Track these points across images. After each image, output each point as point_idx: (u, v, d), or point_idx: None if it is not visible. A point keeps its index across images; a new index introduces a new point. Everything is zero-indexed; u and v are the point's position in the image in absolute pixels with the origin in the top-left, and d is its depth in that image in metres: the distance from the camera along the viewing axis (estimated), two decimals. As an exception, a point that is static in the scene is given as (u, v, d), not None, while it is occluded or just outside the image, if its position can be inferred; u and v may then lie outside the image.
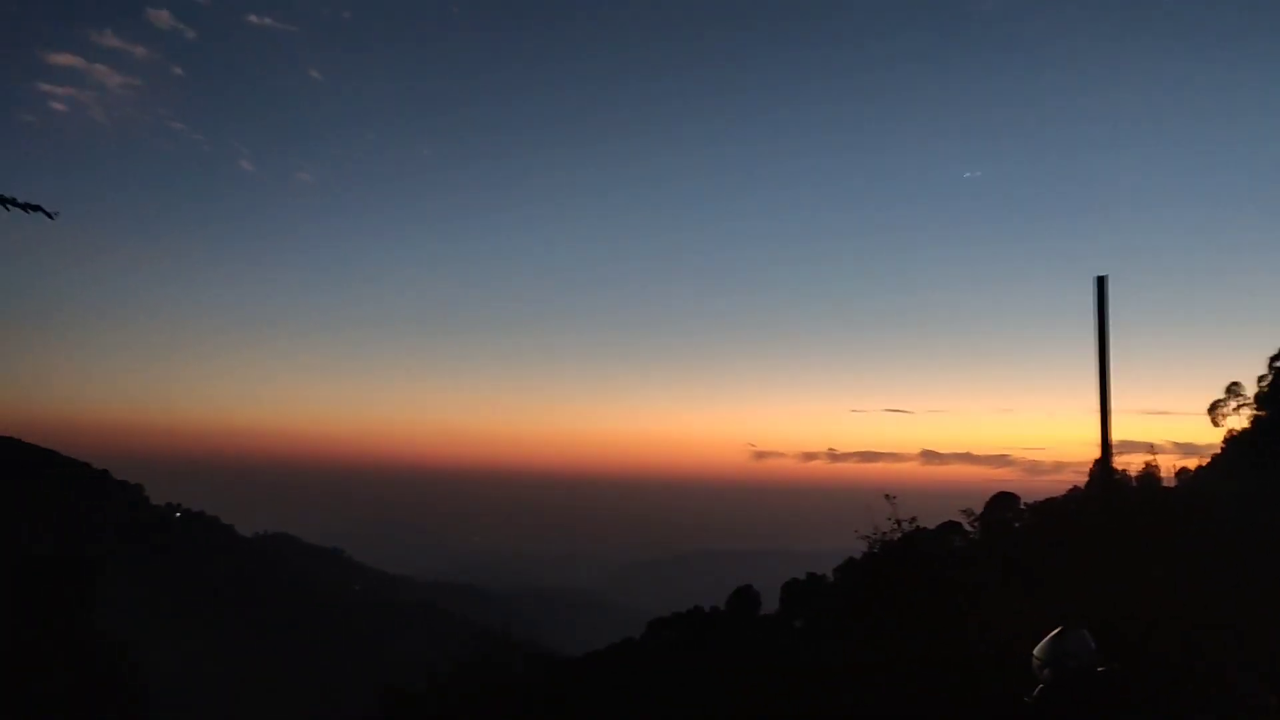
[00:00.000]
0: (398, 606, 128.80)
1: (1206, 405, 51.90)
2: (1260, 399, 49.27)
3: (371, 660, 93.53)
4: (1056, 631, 4.59)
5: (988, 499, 36.37)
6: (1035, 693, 4.58)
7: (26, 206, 4.88)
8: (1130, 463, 32.79)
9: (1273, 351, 49.69)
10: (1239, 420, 49.57)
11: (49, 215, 5.10)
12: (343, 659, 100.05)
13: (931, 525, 34.92)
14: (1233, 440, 47.63)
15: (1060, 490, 35.05)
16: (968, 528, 35.39)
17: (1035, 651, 4.66)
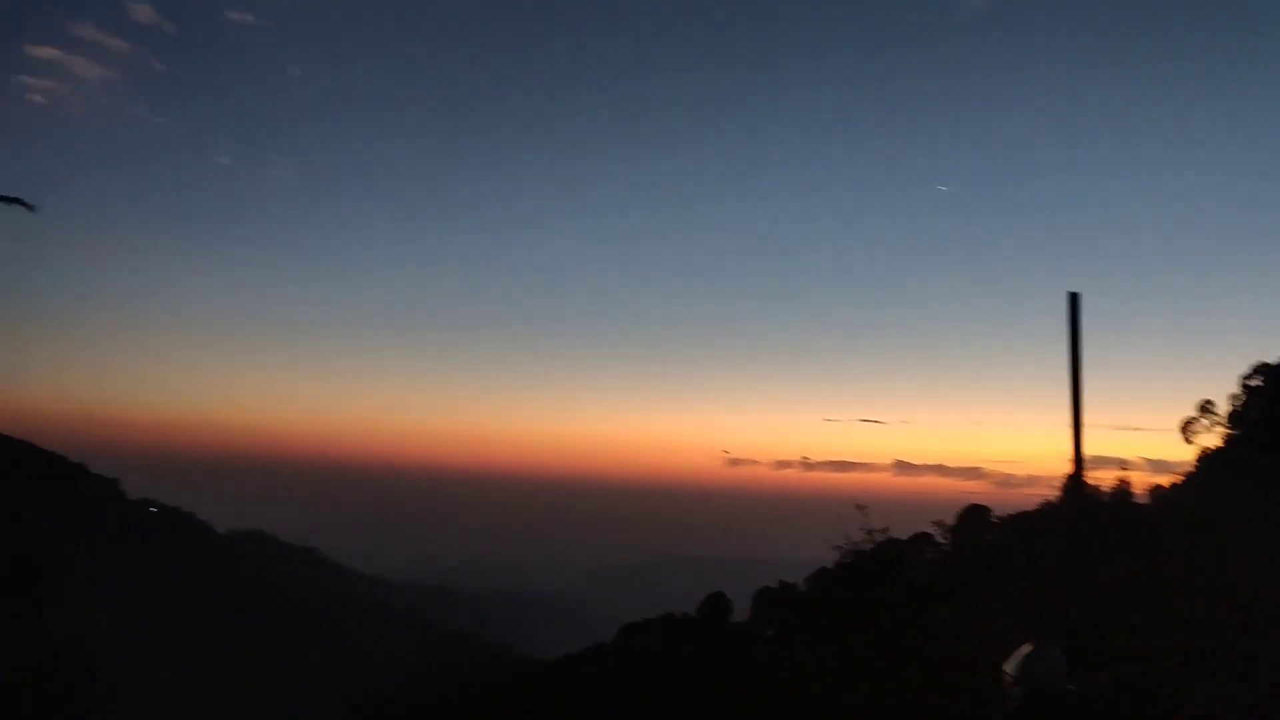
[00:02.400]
0: (371, 607, 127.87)
1: (1179, 422, 52.31)
2: (1232, 418, 49.67)
3: (343, 661, 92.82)
4: (1028, 648, 4.50)
5: (959, 511, 36.34)
6: (1005, 710, 4.49)
7: (6, 199, 4.77)
8: (1103, 478, 33.04)
9: (1245, 370, 50.16)
10: (1212, 438, 49.94)
11: (29, 208, 4.99)
12: (314, 659, 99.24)
13: (904, 536, 35.03)
14: (1205, 458, 47.97)
15: (1032, 504, 35.01)
16: (939, 539, 35.49)
17: (1006, 667, 4.56)
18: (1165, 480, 44.81)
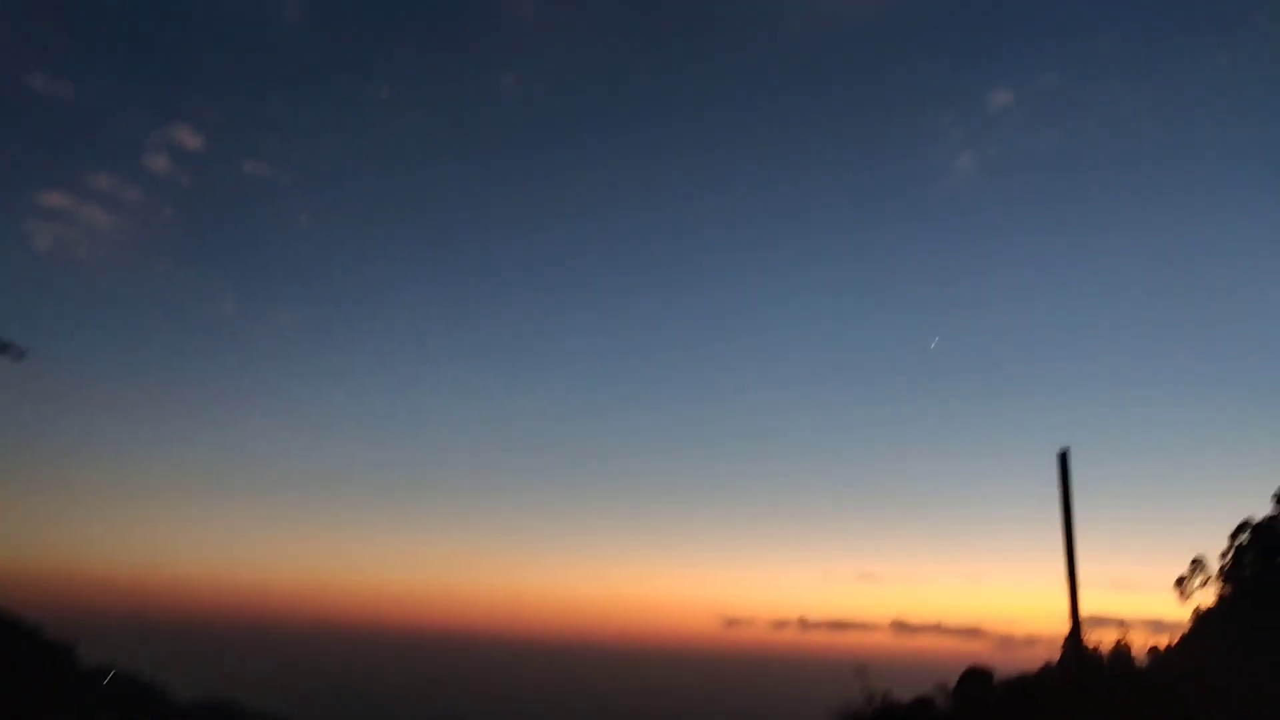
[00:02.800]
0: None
1: (1173, 578, 52.35)
2: (1225, 573, 49.80)
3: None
4: None
5: (960, 673, 35.89)
6: None
7: None
8: (1102, 639, 32.93)
9: (1234, 525, 50.64)
10: (1205, 595, 49.93)
11: (17, 354, 5.21)
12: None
13: (904, 699, 34.58)
14: (1200, 617, 47.82)
15: (1033, 666, 34.68)
16: (940, 703, 34.96)
17: None
18: (1162, 640, 44.54)
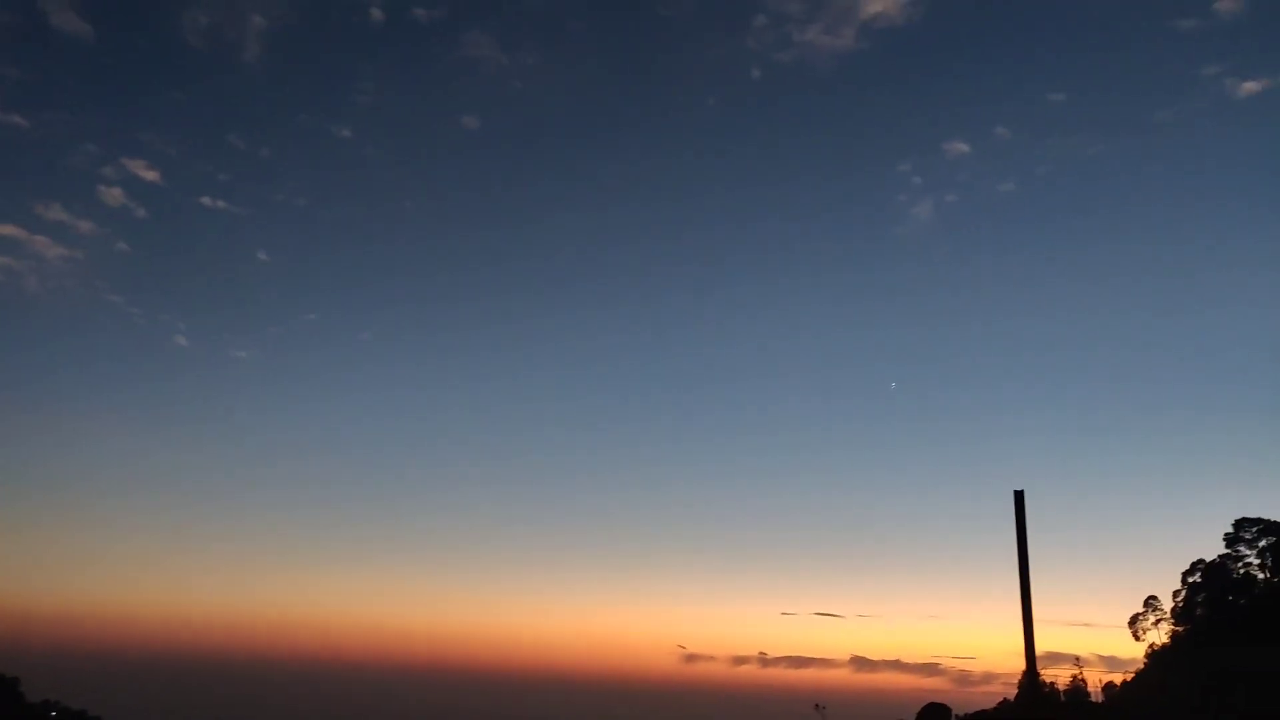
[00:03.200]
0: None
1: (1127, 617, 53.20)
2: (1177, 612, 50.66)
3: None
4: None
5: (919, 711, 36.19)
6: None
7: None
8: (1058, 675, 33.47)
9: (1185, 566, 51.61)
10: (1158, 635, 50.73)
11: None
12: None
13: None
14: (1154, 655, 48.54)
15: (990, 702, 35.11)
16: (900, 741, 35.18)
17: None
18: (1118, 677, 45.15)
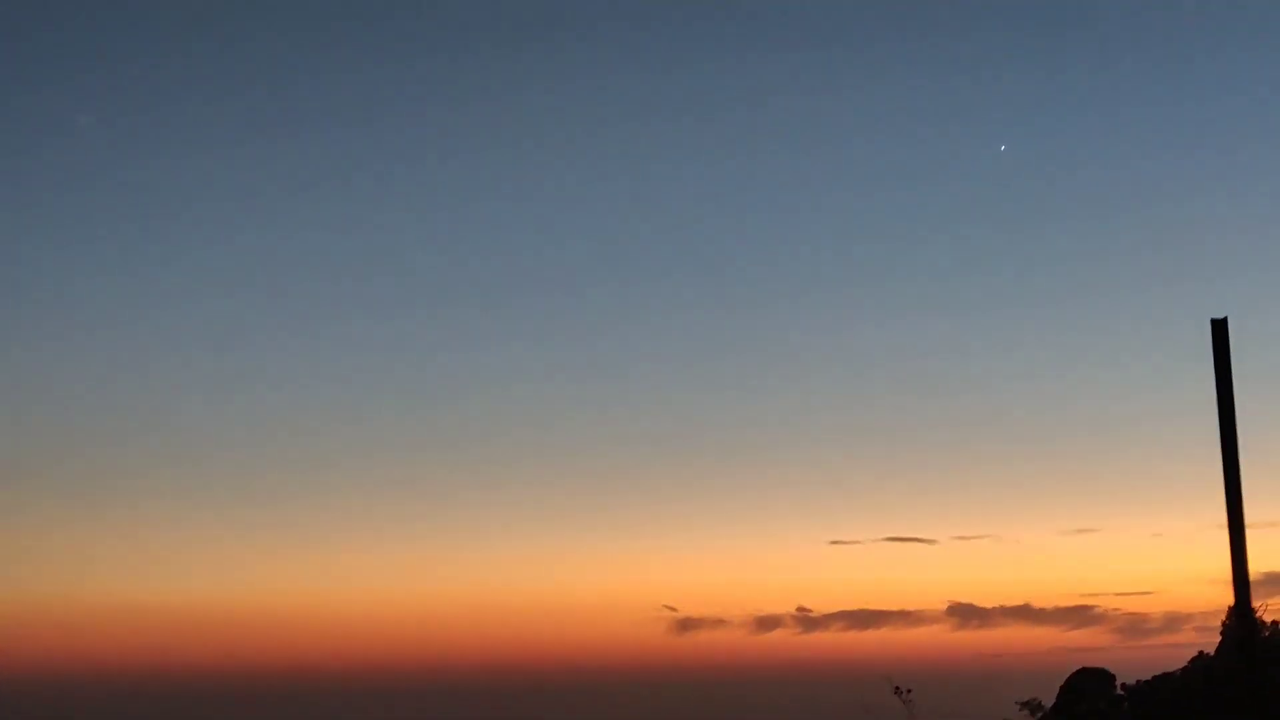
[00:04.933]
0: None
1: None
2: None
3: None
4: None
5: (1062, 681, 27.48)
6: None
7: None
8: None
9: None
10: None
11: None
12: None
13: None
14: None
15: (1178, 661, 26.59)
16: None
17: None
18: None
